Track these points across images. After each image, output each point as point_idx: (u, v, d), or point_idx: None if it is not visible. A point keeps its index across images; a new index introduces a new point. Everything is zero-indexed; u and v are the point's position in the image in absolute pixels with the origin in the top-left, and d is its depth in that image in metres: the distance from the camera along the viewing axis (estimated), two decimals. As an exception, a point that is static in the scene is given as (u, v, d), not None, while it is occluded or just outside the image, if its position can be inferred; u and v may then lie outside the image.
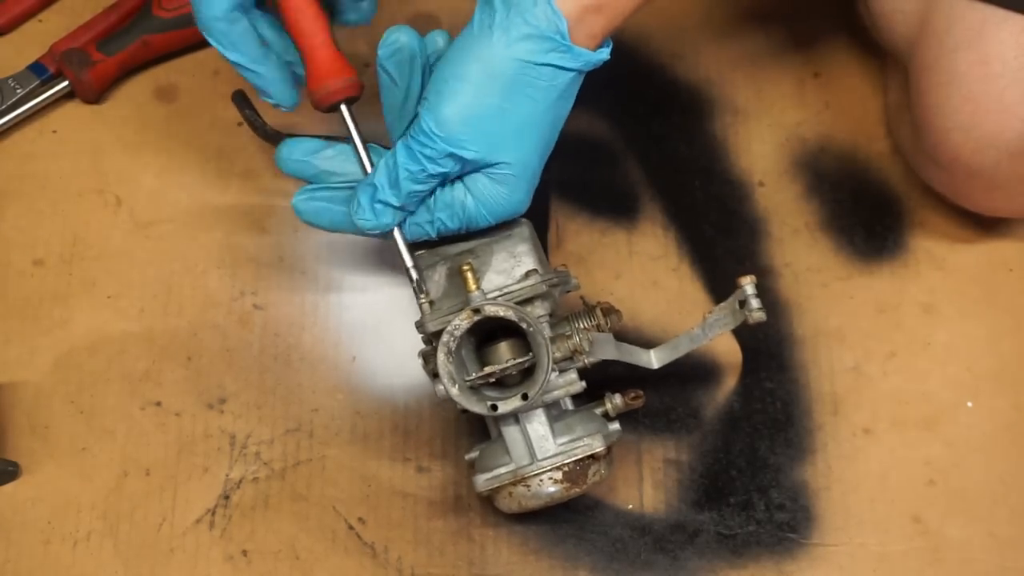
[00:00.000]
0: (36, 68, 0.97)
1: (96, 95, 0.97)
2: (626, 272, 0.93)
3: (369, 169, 0.79)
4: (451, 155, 0.75)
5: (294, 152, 0.82)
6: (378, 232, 0.78)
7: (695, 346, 0.82)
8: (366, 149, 0.80)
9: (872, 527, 0.86)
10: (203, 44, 0.99)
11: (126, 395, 0.89)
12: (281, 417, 0.88)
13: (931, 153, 0.86)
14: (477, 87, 0.74)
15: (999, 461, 0.88)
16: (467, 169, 0.77)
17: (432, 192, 0.78)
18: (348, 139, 0.80)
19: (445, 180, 0.77)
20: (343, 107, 0.79)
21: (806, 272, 0.93)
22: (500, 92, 0.74)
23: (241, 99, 0.91)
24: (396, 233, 0.78)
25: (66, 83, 0.96)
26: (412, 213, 0.78)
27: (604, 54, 0.76)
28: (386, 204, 0.77)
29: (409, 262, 0.78)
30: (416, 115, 0.76)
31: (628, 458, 0.87)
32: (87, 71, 0.95)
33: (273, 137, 0.89)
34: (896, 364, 0.90)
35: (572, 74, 0.75)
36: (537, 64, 0.74)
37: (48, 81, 0.97)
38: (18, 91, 0.96)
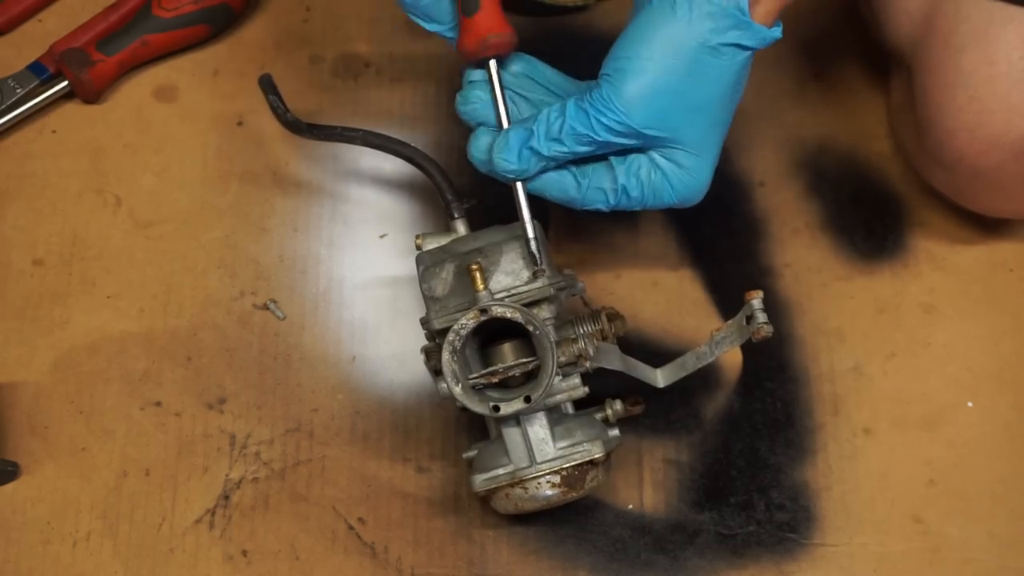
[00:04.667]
0: (36, 68, 0.97)
1: (96, 95, 0.97)
2: (626, 272, 0.93)
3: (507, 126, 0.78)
4: (628, 130, 0.74)
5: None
6: (510, 177, 0.76)
7: (702, 364, 0.82)
8: (506, 108, 0.78)
9: (872, 527, 0.86)
10: (203, 44, 1.00)
11: (126, 395, 0.89)
12: (281, 417, 0.88)
13: (935, 154, 0.86)
14: (660, 65, 0.74)
15: (999, 461, 0.87)
16: (640, 147, 0.76)
17: (594, 159, 0.77)
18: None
19: (615, 152, 0.77)
20: (492, 63, 0.78)
21: (806, 272, 0.93)
22: (683, 71, 0.74)
23: (268, 83, 0.90)
24: (519, 187, 0.77)
25: (66, 83, 0.96)
26: (541, 172, 0.77)
27: (777, 32, 0.76)
28: (536, 152, 0.75)
29: (529, 222, 0.77)
30: (594, 85, 0.75)
31: (628, 458, 0.87)
32: (87, 71, 0.95)
33: (294, 125, 0.88)
34: (896, 364, 0.90)
35: (749, 53, 0.75)
36: (720, 44, 0.74)
37: (48, 81, 0.97)
38: (18, 91, 0.96)
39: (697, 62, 0.74)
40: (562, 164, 0.77)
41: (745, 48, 0.75)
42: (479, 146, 0.78)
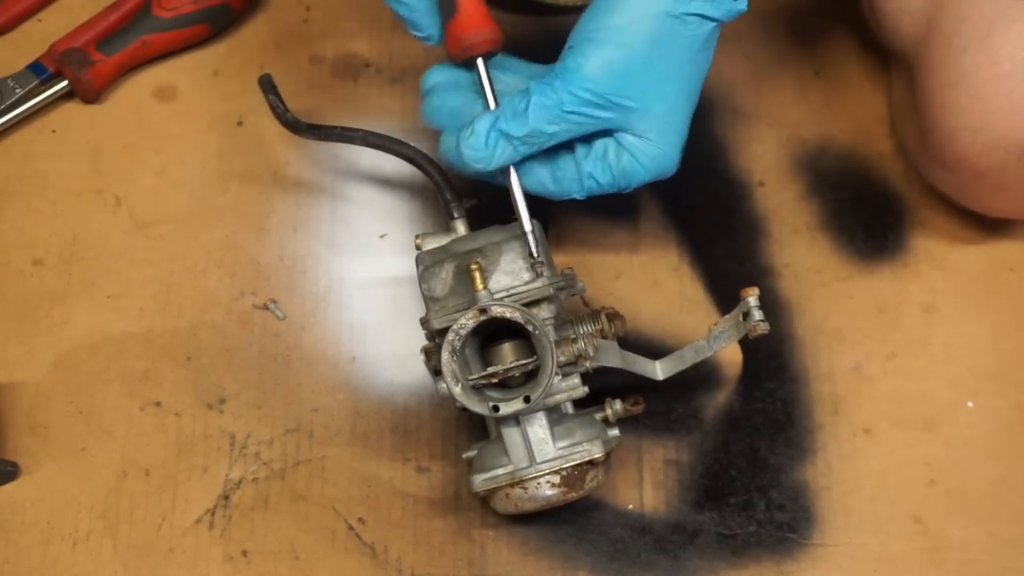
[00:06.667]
0: (35, 68, 0.97)
1: (95, 95, 0.97)
2: (626, 272, 0.93)
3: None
4: (595, 97, 0.74)
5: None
6: (479, 167, 0.75)
7: (700, 358, 0.82)
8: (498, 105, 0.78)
9: (872, 527, 0.86)
10: (203, 44, 1.00)
11: (126, 395, 0.89)
12: (281, 417, 0.88)
13: (937, 154, 0.86)
14: (625, 33, 0.74)
15: (999, 461, 0.87)
16: (609, 125, 0.76)
17: (564, 148, 0.77)
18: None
19: (584, 136, 0.77)
20: (480, 61, 0.78)
21: (806, 272, 0.93)
22: (647, 42, 0.74)
23: (267, 83, 0.90)
24: (512, 175, 0.77)
25: (65, 83, 0.96)
26: (524, 161, 0.77)
27: (742, 4, 0.76)
28: (504, 134, 0.75)
29: (525, 215, 0.77)
30: (559, 60, 0.75)
31: (628, 458, 0.87)
32: (86, 71, 0.95)
33: (293, 125, 0.88)
34: (896, 364, 0.90)
35: (713, 24, 0.75)
36: (684, 13, 0.74)
37: (47, 81, 0.97)
38: (17, 91, 0.96)
39: (662, 31, 0.74)
40: (534, 155, 0.77)
41: (709, 19, 0.75)
42: (447, 143, 0.78)
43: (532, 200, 0.78)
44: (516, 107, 0.75)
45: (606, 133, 0.78)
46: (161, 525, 0.85)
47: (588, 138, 0.78)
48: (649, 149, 0.77)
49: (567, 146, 0.78)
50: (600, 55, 0.74)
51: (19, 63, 0.98)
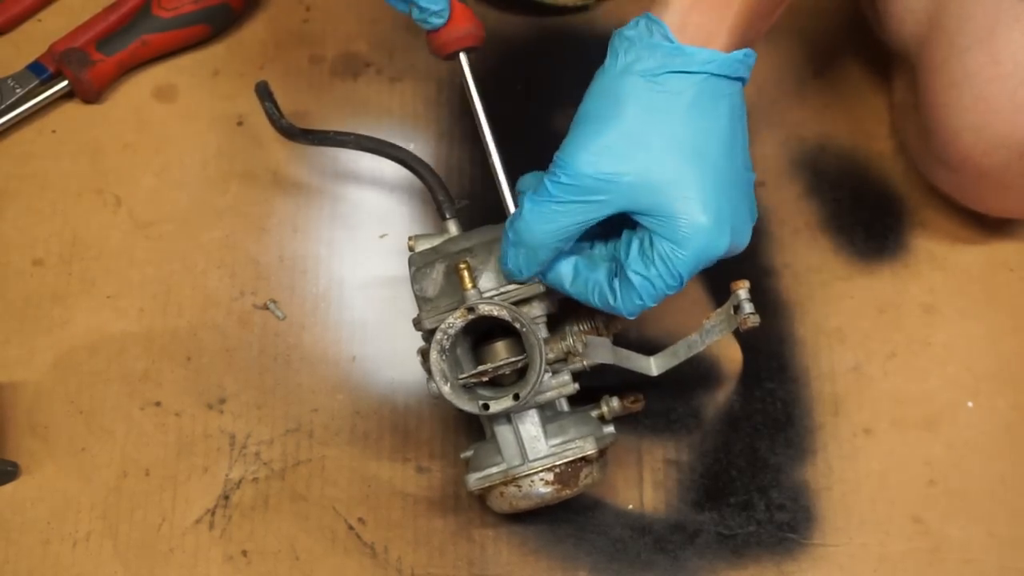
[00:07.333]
0: (35, 68, 0.97)
1: (95, 95, 0.97)
2: (626, 272, 0.93)
3: (483, 120, 0.79)
4: (580, 186, 0.70)
5: None
6: (524, 279, 0.75)
7: (693, 352, 0.82)
8: (483, 103, 0.79)
9: (872, 527, 0.86)
10: (203, 44, 1.00)
11: (126, 395, 0.89)
12: (281, 417, 0.88)
13: (940, 154, 0.86)
14: (600, 107, 0.71)
15: (999, 461, 0.87)
16: (621, 209, 0.71)
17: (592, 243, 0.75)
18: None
19: (609, 232, 0.74)
20: (462, 55, 0.79)
21: (806, 272, 0.93)
22: (633, 114, 0.71)
23: (263, 90, 0.90)
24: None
25: (65, 83, 0.96)
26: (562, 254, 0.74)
27: (738, 55, 0.71)
28: (514, 245, 0.73)
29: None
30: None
31: (628, 458, 0.87)
32: (86, 71, 0.95)
33: (288, 130, 0.89)
34: (896, 364, 0.90)
35: (700, 77, 0.71)
36: (656, 75, 0.71)
37: (47, 81, 0.97)
38: (17, 91, 0.96)
39: (643, 100, 0.71)
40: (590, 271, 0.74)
41: (689, 73, 0.71)
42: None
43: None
44: (515, 217, 0.73)
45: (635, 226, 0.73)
46: (161, 525, 0.85)
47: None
48: (677, 226, 0.71)
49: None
50: (580, 136, 0.71)
51: (19, 63, 0.98)
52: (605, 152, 0.71)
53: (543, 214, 0.72)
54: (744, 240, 0.75)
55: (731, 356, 0.90)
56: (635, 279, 0.72)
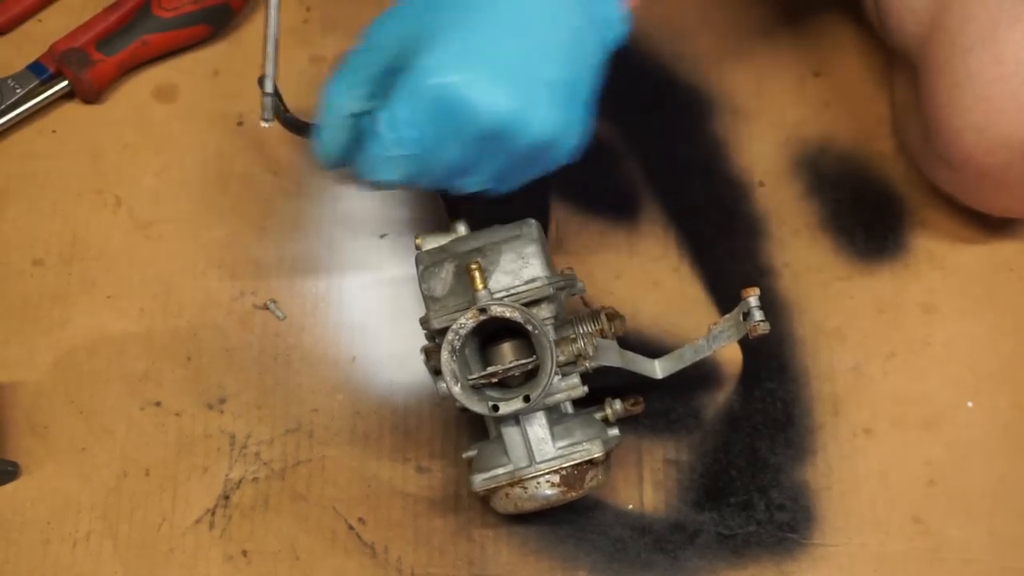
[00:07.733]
0: (36, 68, 0.97)
1: (96, 95, 0.97)
2: (626, 272, 0.93)
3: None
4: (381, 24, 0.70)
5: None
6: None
7: (699, 357, 0.82)
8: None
9: (872, 527, 0.86)
10: (203, 44, 1.00)
11: (126, 395, 0.89)
12: (281, 417, 0.88)
13: (942, 153, 0.86)
14: None
15: (999, 461, 0.87)
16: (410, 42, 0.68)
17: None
18: None
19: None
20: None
21: (806, 272, 0.93)
22: None
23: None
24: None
25: (66, 83, 0.96)
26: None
27: None
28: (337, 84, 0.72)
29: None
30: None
31: (628, 458, 0.87)
32: (87, 71, 0.95)
33: (293, 124, 0.88)
34: (896, 364, 0.90)
35: None
36: None
37: (48, 81, 0.97)
38: (18, 91, 0.96)
39: None
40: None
41: None
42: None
43: (536, 200, 0.78)
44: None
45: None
46: (161, 525, 0.85)
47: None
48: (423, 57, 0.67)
49: None
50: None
51: (19, 63, 0.98)
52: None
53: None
54: (543, 117, 0.67)
55: (731, 356, 0.90)
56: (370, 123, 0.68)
